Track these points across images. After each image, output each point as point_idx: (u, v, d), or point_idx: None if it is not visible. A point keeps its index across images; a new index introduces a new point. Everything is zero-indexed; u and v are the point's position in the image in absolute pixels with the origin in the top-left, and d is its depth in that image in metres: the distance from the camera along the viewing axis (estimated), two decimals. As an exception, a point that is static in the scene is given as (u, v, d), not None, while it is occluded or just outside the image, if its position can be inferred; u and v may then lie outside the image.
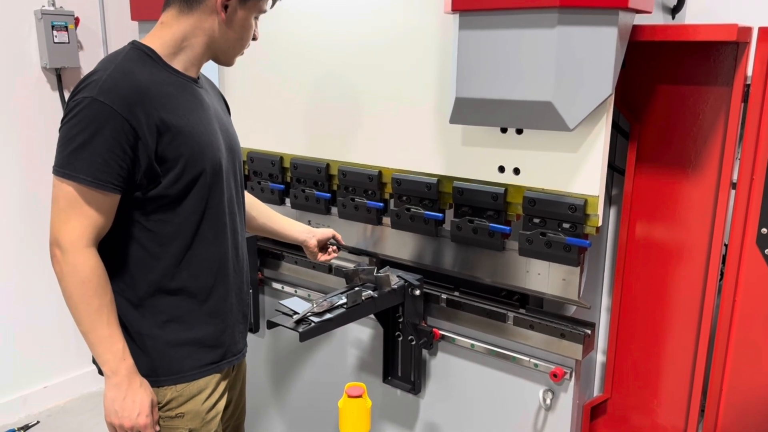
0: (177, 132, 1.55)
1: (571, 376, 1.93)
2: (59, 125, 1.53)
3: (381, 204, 2.17)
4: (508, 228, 1.91)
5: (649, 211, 1.95)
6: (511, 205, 1.90)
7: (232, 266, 1.76)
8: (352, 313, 1.91)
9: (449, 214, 2.05)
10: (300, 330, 1.77)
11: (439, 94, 1.96)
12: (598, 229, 1.79)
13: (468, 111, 1.77)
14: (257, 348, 2.72)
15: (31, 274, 3.42)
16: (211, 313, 1.71)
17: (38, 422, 3.49)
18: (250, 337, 2.43)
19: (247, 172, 2.53)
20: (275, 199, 2.46)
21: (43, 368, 3.63)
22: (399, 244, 2.20)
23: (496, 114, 1.73)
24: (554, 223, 1.82)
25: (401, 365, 2.24)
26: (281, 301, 1.88)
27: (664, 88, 1.87)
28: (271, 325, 1.83)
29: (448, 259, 2.11)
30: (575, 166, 1.76)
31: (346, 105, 2.19)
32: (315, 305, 1.85)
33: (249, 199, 2.04)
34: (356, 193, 2.22)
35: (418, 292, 2.09)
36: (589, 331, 1.90)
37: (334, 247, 2.11)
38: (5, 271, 3.38)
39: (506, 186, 1.88)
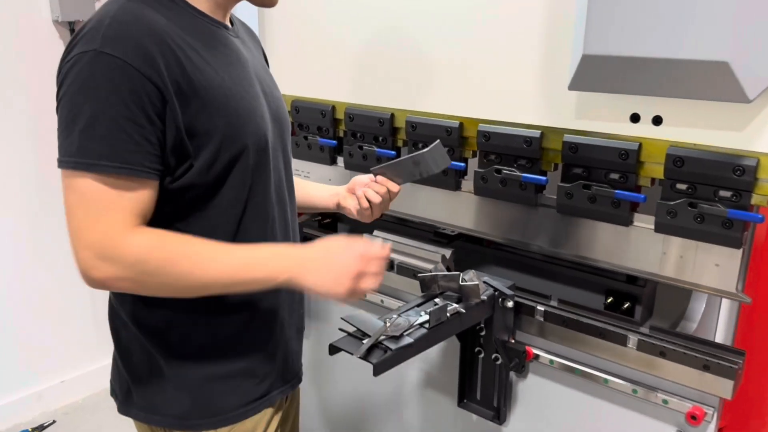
0: (209, 96, 1.15)
1: (712, 417, 1.45)
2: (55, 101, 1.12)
3: (462, 164, 1.70)
4: (641, 196, 1.42)
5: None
6: (646, 165, 1.42)
7: None
8: (436, 334, 1.44)
9: (553, 177, 1.58)
10: (374, 362, 1.30)
11: (545, 18, 1.49)
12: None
13: (599, 73, 1.32)
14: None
15: (43, 255, 3.07)
16: (257, 332, 1.33)
17: (54, 422, 3.14)
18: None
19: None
20: (325, 157, 2.00)
21: (60, 361, 3.28)
22: (482, 214, 1.72)
23: (641, 79, 1.29)
24: (709, 191, 1.34)
25: (481, 387, 1.77)
26: (345, 317, 1.41)
27: None
28: (334, 350, 1.36)
29: (549, 236, 1.62)
30: (743, 114, 1.29)
31: (419, 40, 1.72)
32: (388, 324, 1.38)
33: None
34: (429, 151, 1.76)
35: (510, 304, 1.61)
36: (740, 362, 1.42)
37: (375, 186, 1.51)
38: (18, 252, 3.04)
39: (641, 140, 1.41)
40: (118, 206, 1.08)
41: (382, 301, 1.89)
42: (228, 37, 1.26)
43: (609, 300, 1.73)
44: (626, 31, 1.25)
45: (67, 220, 1.11)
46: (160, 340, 1.27)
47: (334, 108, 1.93)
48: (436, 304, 1.46)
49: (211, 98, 1.15)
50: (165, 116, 1.10)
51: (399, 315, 1.41)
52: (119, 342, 1.33)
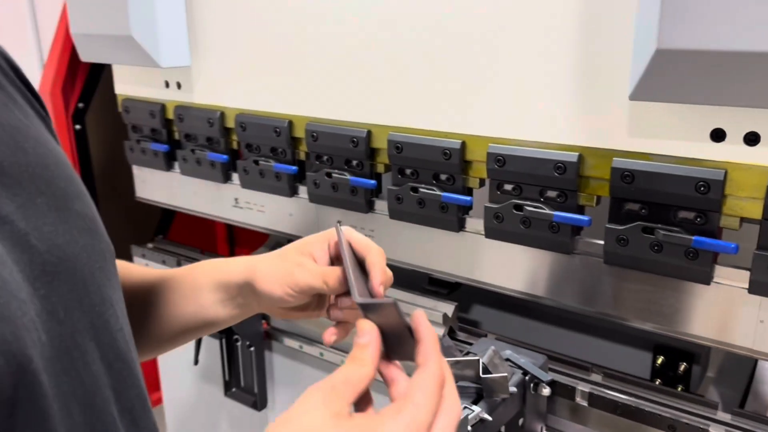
0: None
1: None
2: None
3: (468, 198, 1.26)
4: (731, 245, 1.01)
5: None
6: (732, 199, 1.01)
7: None
8: None
9: (596, 215, 1.15)
10: None
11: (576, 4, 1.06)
12: None
13: (678, 76, 0.89)
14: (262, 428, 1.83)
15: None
16: None
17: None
18: (253, 416, 1.76)
19: (236, 146, 1.63)
20: (283, 187, 1.53)
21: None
22: (495, 263, 1.29)
23: (742, 84, 0.87)
24: (833, 237, 0.94)
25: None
26: None
27: None
28: None
29: (590, 294, 1.20)
30: None
31: (403, 30, 1.27)
32: None
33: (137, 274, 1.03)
34: (420, 180, 1.31)
35: (546, 391, 1.17)
36: None
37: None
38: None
39: (727, 165, 0.99)
40: None
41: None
42: None
43: (659, 360, 1.34)
44: (723, 15, 0.83)
45: None
46: None
47: (291, 124, 1.46)
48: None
49: None
50: None
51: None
52: None
